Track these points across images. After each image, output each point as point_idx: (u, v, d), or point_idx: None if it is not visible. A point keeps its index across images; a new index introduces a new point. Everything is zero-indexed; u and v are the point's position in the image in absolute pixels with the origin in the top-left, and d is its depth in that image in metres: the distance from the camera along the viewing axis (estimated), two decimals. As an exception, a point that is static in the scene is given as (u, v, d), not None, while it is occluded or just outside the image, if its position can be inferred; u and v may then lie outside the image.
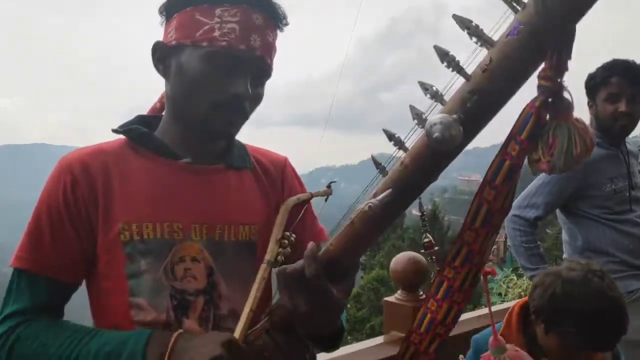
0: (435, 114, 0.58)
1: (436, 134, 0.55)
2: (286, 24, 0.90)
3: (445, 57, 0.57)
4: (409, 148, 0.63)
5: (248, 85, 0.85)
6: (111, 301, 0.85)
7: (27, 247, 0.85)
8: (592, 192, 2.03)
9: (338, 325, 0.82)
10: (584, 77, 2.11)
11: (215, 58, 0.83)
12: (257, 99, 0.90)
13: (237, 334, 0.76)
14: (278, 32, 0.90)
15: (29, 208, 0.89)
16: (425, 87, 0.59)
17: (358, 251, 0.70)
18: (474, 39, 0.56)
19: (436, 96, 0.59)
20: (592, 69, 2.10)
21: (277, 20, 0.88)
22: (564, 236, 2.19)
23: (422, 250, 0.76)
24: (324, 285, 0.69)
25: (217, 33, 0.82)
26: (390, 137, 0.64)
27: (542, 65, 0.55)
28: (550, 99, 0.58)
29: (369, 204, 0.62)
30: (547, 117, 0.59)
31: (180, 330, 0.78)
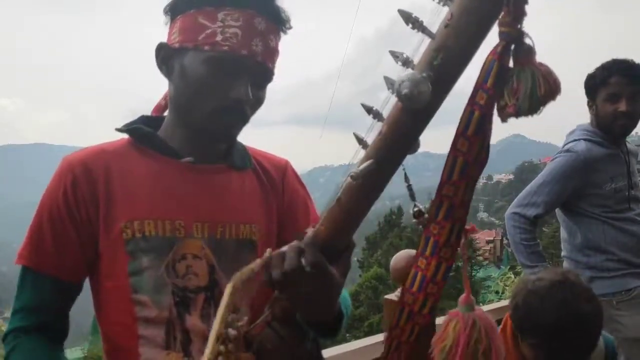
0: (403, 73, 0.58)
1: (405, 91, 0.56)
2: (289, 28, 0.90)
3: (409, 19, 0.58)
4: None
5: (249, 90, 0.86)
6: (114, 299, 0.86)
7: (29, 245, 0.87)
8: (592, 191, 2.04)
9: (338, 310, 0.82)
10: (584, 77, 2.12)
11: (217, 63, 0.83)
12: (258, 102, 0.90)
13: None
14: (281, 34, 0.90)
15: (29, 208, 0.90)
16: (396, 55, 0.60)
17: (349, 228, 0.70)
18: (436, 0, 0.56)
19: (407, 62, 0.59)
20: (592, 69, 2.11)
21: (280, 24, 0.88)
22: (563, 234, 2.20)
23: (413, 220, 0.76)
24: (326, 269, 0.69)
25: (219, 37, 0.82)
26: (369, 110, 0.64)
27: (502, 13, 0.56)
28: (512, 45, 0.59)
29: (351, 174, 0.62)
30: (511, 64, 0.60)
31: None
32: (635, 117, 2.03)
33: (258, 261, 0.73)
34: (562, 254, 2.20)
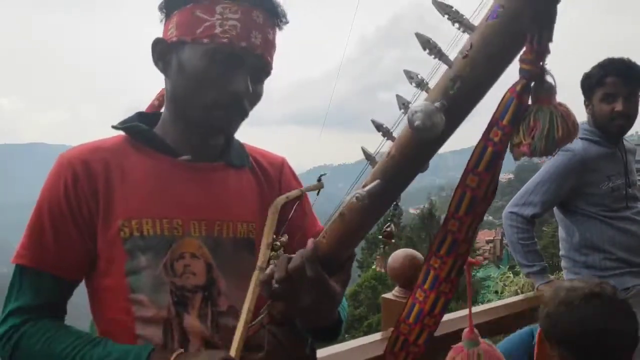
0: (417, 102, 0.58)
1: (417, 122, 0.55)
2: (285, 23, 0.90)
3: (427, 44, 0.57)
4: (396, 138, 0.63)
5: (248, 83, 0.86)
6: (111, 298, 0.86)
7: (29, 244, 0.86)
8: (589, 190, 2.04)
9: (336, 316, 0.83)
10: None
11: (216, 55, 0.83)
12: (256, 97, 0.90)
13: (232, 351, 0.76)
14: (277, 30, 0.90)
15: (28, 207, 0.90)
16: (411, 76, 0.59)
17: (351, 243, 0.71)
18: (456, 25, 0.55)
19: (421, 84, 0.59)
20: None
21: (276, 18, 0.89)
22: (561, 233, 2.20)
23: (380, 236, 0.76)
24: (326, 282, 0.70)
25: (218, 30, 0.82)
26: (379, 127, 0.64)
27: (524, 49, 0.54)
28: (532, 83, 0.58)
29: (356, 195, 0.62)
30: (529, 101, 0.59)
31: (180, 351, 0.79)
32: (632, 116, 2.03)
33: (295, 191, 0.94)
34: (560, 252, 2.20)
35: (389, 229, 0.74)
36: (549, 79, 0.57)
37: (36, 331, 0.83)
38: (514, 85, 0.58)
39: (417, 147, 0.60)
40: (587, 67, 2.12)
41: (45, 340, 0.82)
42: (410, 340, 0.78)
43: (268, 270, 0.74)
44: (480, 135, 0.65)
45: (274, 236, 0.86)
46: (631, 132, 2.21)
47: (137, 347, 0.80)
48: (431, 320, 0.76)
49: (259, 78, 0.90)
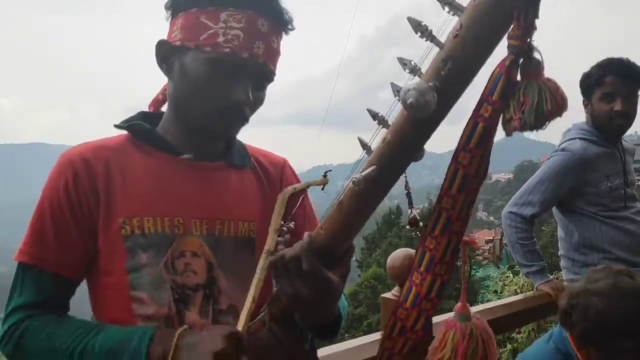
0: (411, 81, 0.58)
1: (410, 100, 0.56)
2: (292, 29, 0.90)
3: (418, 27, 0.58)
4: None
5: (249, 91, 0.86)
6: (112, 296, 0.86)
7: (31, 242, 0.86)
8: (588, 190, 2.05)
9: (336, 312, 0.83)
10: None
11: (218, 64, 0.83)
12: (257, 103, 0.91)
13: (240, 326, 0.77)
14: (283, 34, 0.90)
15: (28, 207, 0.90)
16: (404, 63, 0.60)
17: (349, 232, 0.71)
18: (446, 8, 0.56)
19: (414, 70, 0.60)
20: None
21: (282, 25, 0.89)
22: (560, 233, 2.20)
23: (407, 226, 0.76)
24: (323, 275, 0.71)
25: (221, 39, 0.82)
26: (374, 116, 0.65)
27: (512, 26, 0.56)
28: (520, 59, 0.59)
29: (353, 179, 0.63)
30: (518, 77, 0.60)
31: (185, 326, 0.79)
32: (631, 116, 2.04)
33: (302, 184, 0.94)
34: (559, 252, 2.21)
35: (412, 216, 0.74)
36: (536, 54, 0.59)
37: (38, 326, 0.83)
38: (503, 60, 0.60)
39: (411, 130, 0.61)
40: (586, 67, 2.14)
41: (47, 334, 0.82)
42: (407, 327, 0.78)
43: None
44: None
45: (282, 222, 0.86)
46: (630, 132, 2.22)
47: (140, 329, 0.80)
48: (428, 304, 0.76)
49: (261, 85, 0.90)
